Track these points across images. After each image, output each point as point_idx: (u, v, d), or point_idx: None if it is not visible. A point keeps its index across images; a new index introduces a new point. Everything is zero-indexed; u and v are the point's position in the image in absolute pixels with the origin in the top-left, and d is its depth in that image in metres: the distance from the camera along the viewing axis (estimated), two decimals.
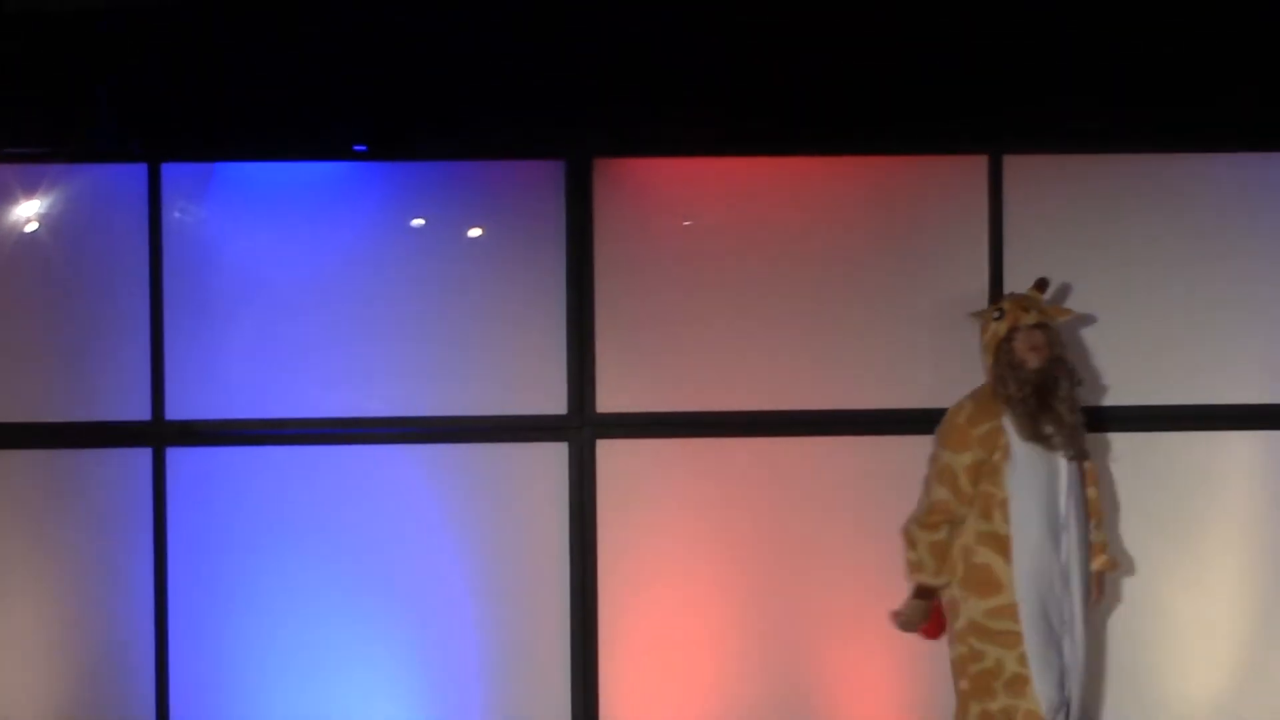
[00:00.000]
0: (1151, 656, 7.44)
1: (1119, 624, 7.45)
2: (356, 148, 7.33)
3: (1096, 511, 6.83)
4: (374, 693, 7.35)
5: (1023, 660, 6.49)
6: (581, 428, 7.38)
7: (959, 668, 6.60)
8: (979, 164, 7.43)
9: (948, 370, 7.37)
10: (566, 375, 7.37)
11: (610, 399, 7.39)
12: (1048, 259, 7.43)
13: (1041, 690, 6.49)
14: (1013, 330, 6.61)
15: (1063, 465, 6.61)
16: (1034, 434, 6.55)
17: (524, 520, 7.40)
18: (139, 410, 7.35)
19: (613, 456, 7.39)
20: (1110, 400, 7.44)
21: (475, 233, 7.42)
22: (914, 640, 6.91)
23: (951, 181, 7.43)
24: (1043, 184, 7.44)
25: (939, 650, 6.81)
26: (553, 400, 7.39)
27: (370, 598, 7.36)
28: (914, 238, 7.43)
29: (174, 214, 7.37)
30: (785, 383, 7.40)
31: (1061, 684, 6.54)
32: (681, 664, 7.39)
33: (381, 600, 7.36)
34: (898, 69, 7.24)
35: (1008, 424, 6.59)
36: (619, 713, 7.40)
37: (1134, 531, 7.43)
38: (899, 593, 6.74)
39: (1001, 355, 6.63)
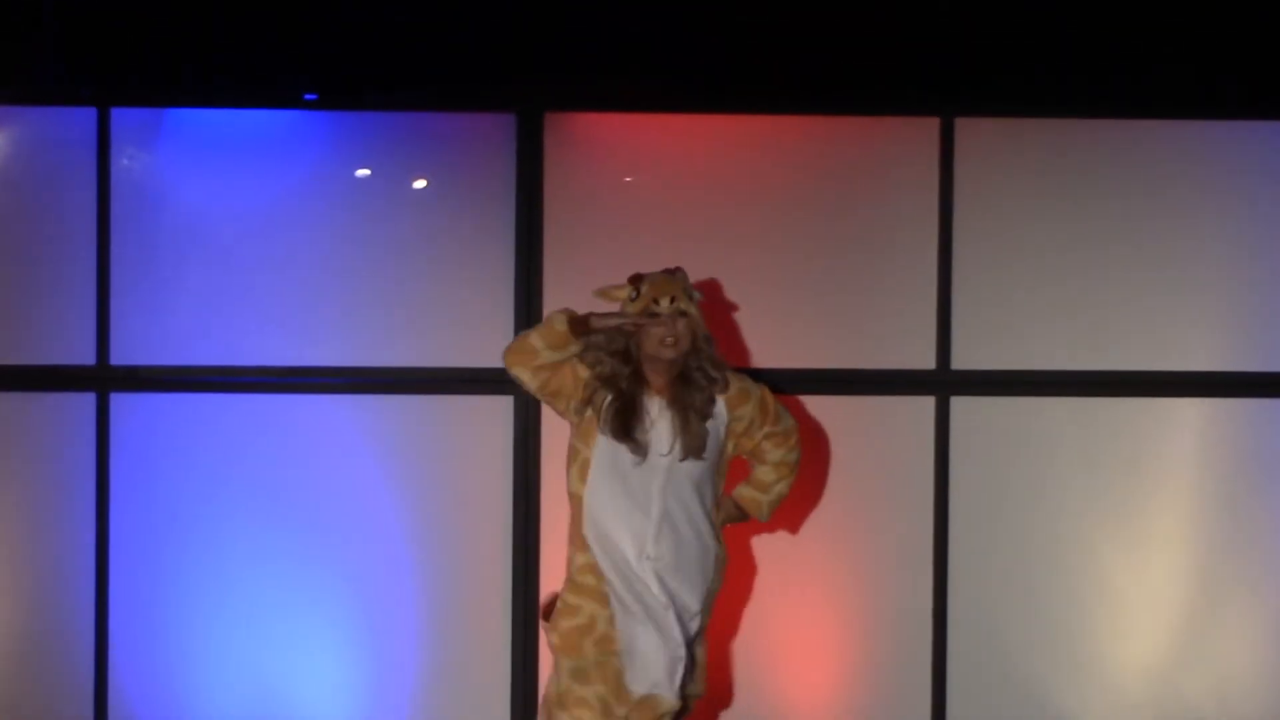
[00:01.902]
0: (1095, 625, 7.45)
1: (1062, 593, 7.46)
2: (307, 96, 7.31)
3: (752, 482, 6.29)
4: (311, 643, 7.35)
5: (611, 622, 6.07)
6: None
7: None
8: (930, 126, 7.42)
9: (893, 331, 7.39)
10: (513, 328, 7.36)
11: None
12: (998, 223, 7.44)
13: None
14: (646, 314, 6.02)
15: (666, 463, 6.04)
16: (620, 432, 6.01)
17: (468, 473, 7.40)
18: (84, 355, 7.34)
19: None
20: (1057, 365, 7.45)
21: (425, 184, 7.42)
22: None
23: (903, 143, 7.42)
24: (994, 148, 7.44)
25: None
26: (498, 353, 7.33)
27: (311, 548, 7.36)
28: (863, 199, 7.43)
29: (123, 160, 7.35)
30: (731, 341, 7.40)
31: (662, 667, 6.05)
32: None
33: (322, 550, 7.35)
34: (851, 29, 7.23)
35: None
36: None
37: (1079, 497, 7.44)
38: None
39: (618, 340, 6.06)
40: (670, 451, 6.03)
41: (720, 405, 6.14)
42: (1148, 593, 7.45)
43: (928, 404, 7.42)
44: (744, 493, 6.33)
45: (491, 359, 7.35)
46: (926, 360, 7.42)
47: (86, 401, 7.35)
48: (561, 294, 7.33)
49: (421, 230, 7.39)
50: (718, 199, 7.42)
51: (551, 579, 7.34)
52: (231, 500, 7.35)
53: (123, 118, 7.33)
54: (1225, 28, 7.22)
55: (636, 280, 6.08)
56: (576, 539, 6.11)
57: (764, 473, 6.30)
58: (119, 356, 7.34)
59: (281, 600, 7.34)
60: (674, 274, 6.10)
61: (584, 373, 6.09)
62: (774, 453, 6.26)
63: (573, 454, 6.12)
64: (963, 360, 7.43)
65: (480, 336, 7.37)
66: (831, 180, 7.44)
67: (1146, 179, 7.45)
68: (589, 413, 6.08)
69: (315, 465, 7.36)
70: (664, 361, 6.05)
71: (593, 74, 7.26)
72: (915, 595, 7.44)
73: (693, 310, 6.07)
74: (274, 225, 7.37)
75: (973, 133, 7.43)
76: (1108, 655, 7.45)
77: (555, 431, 7.33)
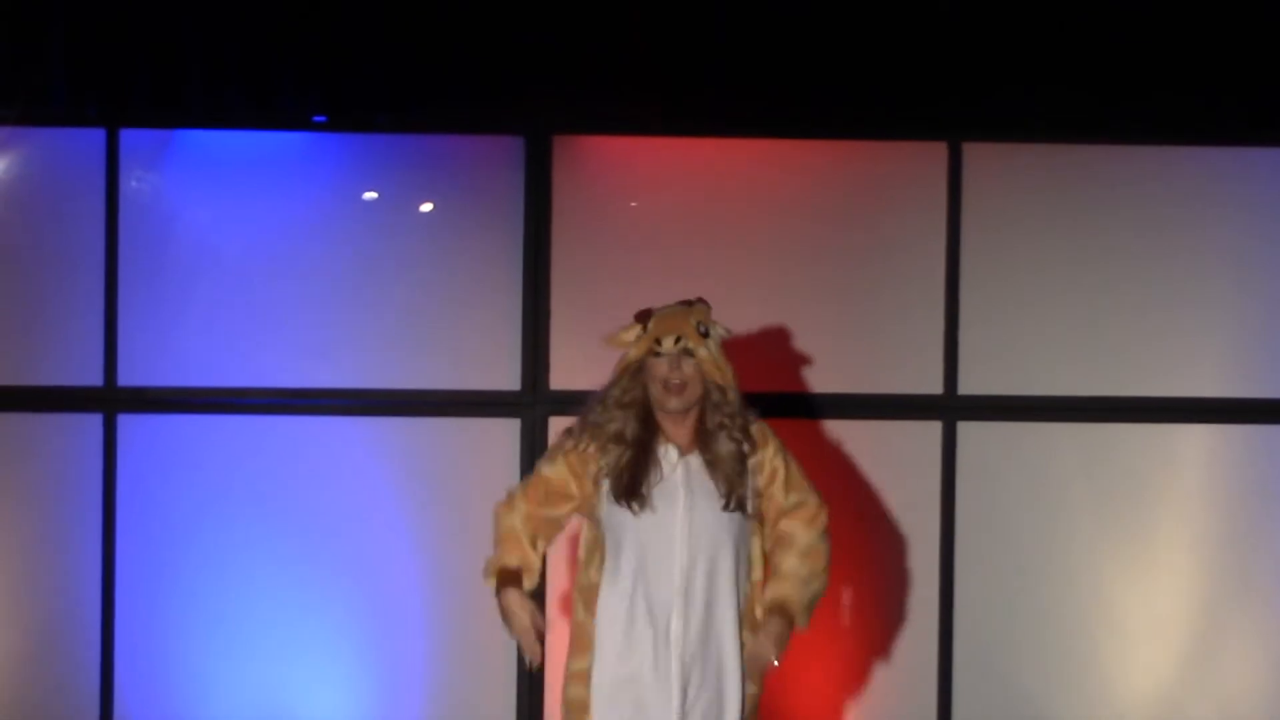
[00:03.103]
0: (1100, 649, 7.45)
1: (1068, 616, 7.46)
2: (316, 118, 7.32)
3: (783, 577, 5.28)
4: (319, 663, 7.34)
5: None
6: (535, 404, 7.38)
7: None
8: (938, 151, 7.43)
9: (900, 355, 7.40)
10: (521, 351, 7.36)
11: (564, 376, 7.38)
12: (1005, 248, 7.45)
13: None
14: (650, 355, 5.28)
15: (689, 516, 5.25)
16: (628, 488, 5.22)
17: (474, 495, 7.38)
18: (91, 376, 7.34)
19: None
20: (1064, 390, 7.45)
21: (433, 207, 7.42)
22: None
23: (910, 168, 7.43)
24: (1002, 173, 7.45)
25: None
26: (507, 376, 7.39)
27: (319, 568, 7.35)
28: (872, 223, 7.44)
29: (131, 181, 7.36)
30: (739, 364, 7.37)
31: None
32: None
33: (330, 571, 7.35)
34: (859, 54, 7.24)
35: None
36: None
37: (1085, 522, 7.44)
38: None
39: (623, 384, 5.34)
40: (689, 506, 5.22)
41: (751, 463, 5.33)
42: (1153, 616, 7.45)
43: (934, 429, 7.42)
44: (777, 590, 5.26)
45: (499, 381, 7.37)
46: (934, 385, 7.42)
47: (94, 422, 7.34)
48: (569, 315, 7.34)
49: (429, 252, 7.40)
50: (725, 223, 7.43)
51: (557, 599, 7.34)
52: (238, 521, 7.34)
53: (131, 139, 7.35)
54: (1232, 54, 7.23)
55: (643, 316, 5.38)
56: (579, 640, 5.36)
57: (792, 565, 5.27)
58: (126, 378, 7.34)
59: (288, 621, 7.33)
60: (690, 306, 5.37)
61: (582, 462, 5.32)
62: (802, 535, 5.27)
63: (588, 547, 5.38)
64: (970, 385, 7.43)
65: (488, 359, 7.37)
66: (839, 204, 7.44)
67: (1153, 204, 7.46)
68: (604, 486, 5.28)
69: (322, 487, 7.36)
70: (677, 413, 5.27)
71: (600, 97, 7.26)
72: (922, 619, 7.44)
73: (703, 351, 5.27)
74: (282, 247, 7.37)
75: (980, 157, 7.45)
76: (1114, 679, 7.45)
77: None
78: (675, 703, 5.17)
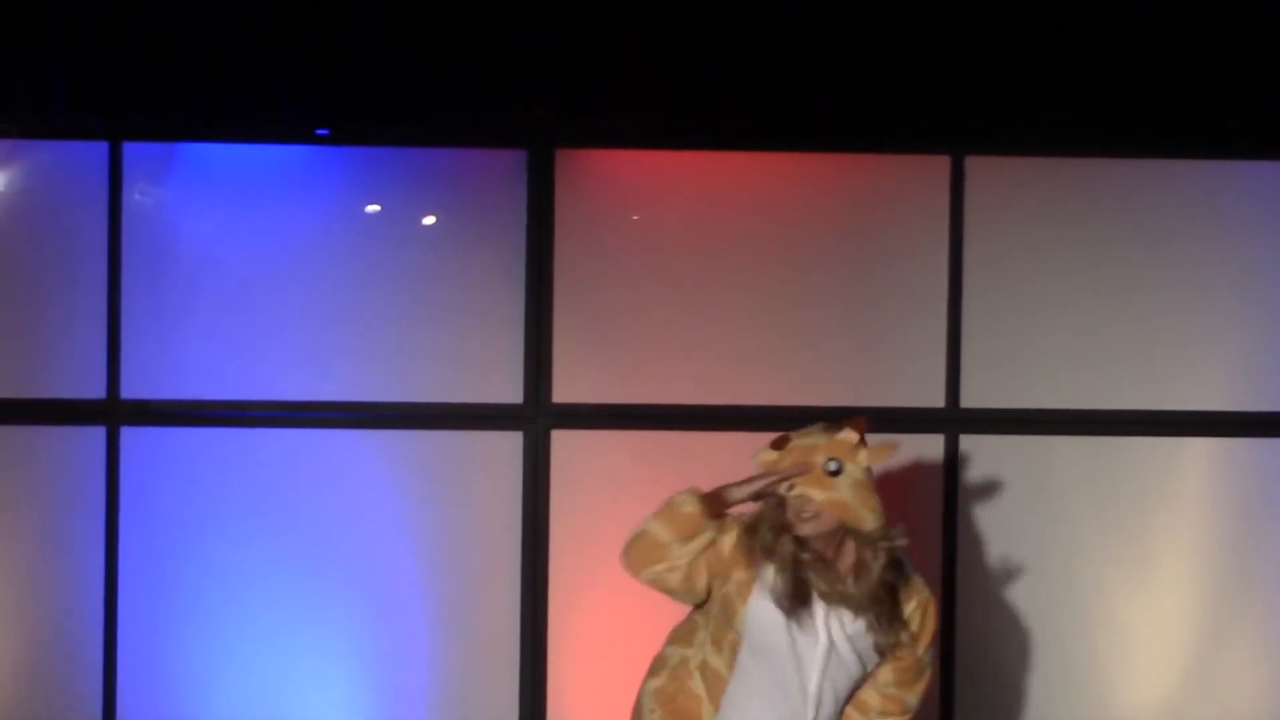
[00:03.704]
0: (1103, 662, 7.45)
1: (1071, 628, 7.45)
2: (318, 131, 7.32)
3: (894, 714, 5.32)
4: (322, 677, 7.35)
5: None
6: (537, 418, 7.38)
7: None
8: (941, 164, 7.43)
9: (902, 368, 7.39)
10: (523, 365, 7.36)
11: (566, 390, 7.38)
12: (1008, 261, 7.44)
13: None
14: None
15: (824, 642, 5.21)
16: (792, 603, 5.14)
17: (477, 509, 7.39)
18: (94, 388, 7.34)
19: (567, 447, 7.39)
20: (1067, 404, 7.44)
21: (435, 220, 7.42)
22: None
23: (913, 181, 7.43)
24: (1005, 186, 7.45)
25: None
26: (509, 389, 7.39)
27: (321, 582, 7.35)
28: (874, 237, 7.44)
29: (134, 194, 7.36)
30: (742, 378, 7.40)
31: None
32: (632, 658, 7.38)
33: (332, 585, 7.35)
34: (861, 67, 7.24)
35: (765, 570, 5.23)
36: (567, 704, 7.40)
37: (1088, 535, 7.44)
38: None
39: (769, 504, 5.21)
40: (828, 636, 5.14)
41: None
42: (1157, 631, 7.45)
43: (937, 442, 7.42)
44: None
45: (501, 394, 7.37)
46: (936, 398, 7.42)
47: (96, 435, 7.34)
48: (571, 328, 7.34)
49: (432, 266, 7.40)
50: (728, 236, 7.42)
51: (560, 615, 7.34)
52: (241, 534, 7.34)
53: (134, 152, 7.34)
54: (1237, 67, 7.22)
55: (780, 443, 5.18)
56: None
57: (872, 699, 5.29)
58: (129, 390, 7.34)
59: (290, 633, 7.34)
60: (833, 432, 5.17)
61: (730, 542, 5.23)
62: (893, 684, 5.27)
63: (717, 631, 5.30)
64: (972, 398, 7.43)
65: (490, 372, 7.37)
66: (841, 217, 7.44)
67: (1157, 218, 7.45)
68: (736, 577, 5.20)
69: (324, 499, 7.36)
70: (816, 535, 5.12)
71: (604, 111, 7.26)
72: None
73: (824, 495, 5.04)
74: (285, 260, 7.37)
75: (983, 170, 7.44)
76: (1117, 693, 7.45)
77: (565, 468, 7.34)
78: None
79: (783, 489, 5.08)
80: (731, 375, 7.37)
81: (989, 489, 7.44)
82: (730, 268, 7.42)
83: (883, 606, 5.16)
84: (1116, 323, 7.45)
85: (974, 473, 7.43)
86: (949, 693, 7.42)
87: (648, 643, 7.33)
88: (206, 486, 7.35)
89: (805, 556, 5.11)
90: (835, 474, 5.05)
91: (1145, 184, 7.45)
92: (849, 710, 5.30)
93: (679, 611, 7.28)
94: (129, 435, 7.34)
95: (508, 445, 7.39)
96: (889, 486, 7.38)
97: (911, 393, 7.42)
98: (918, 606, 5.28)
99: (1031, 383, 7.44)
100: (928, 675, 5.33)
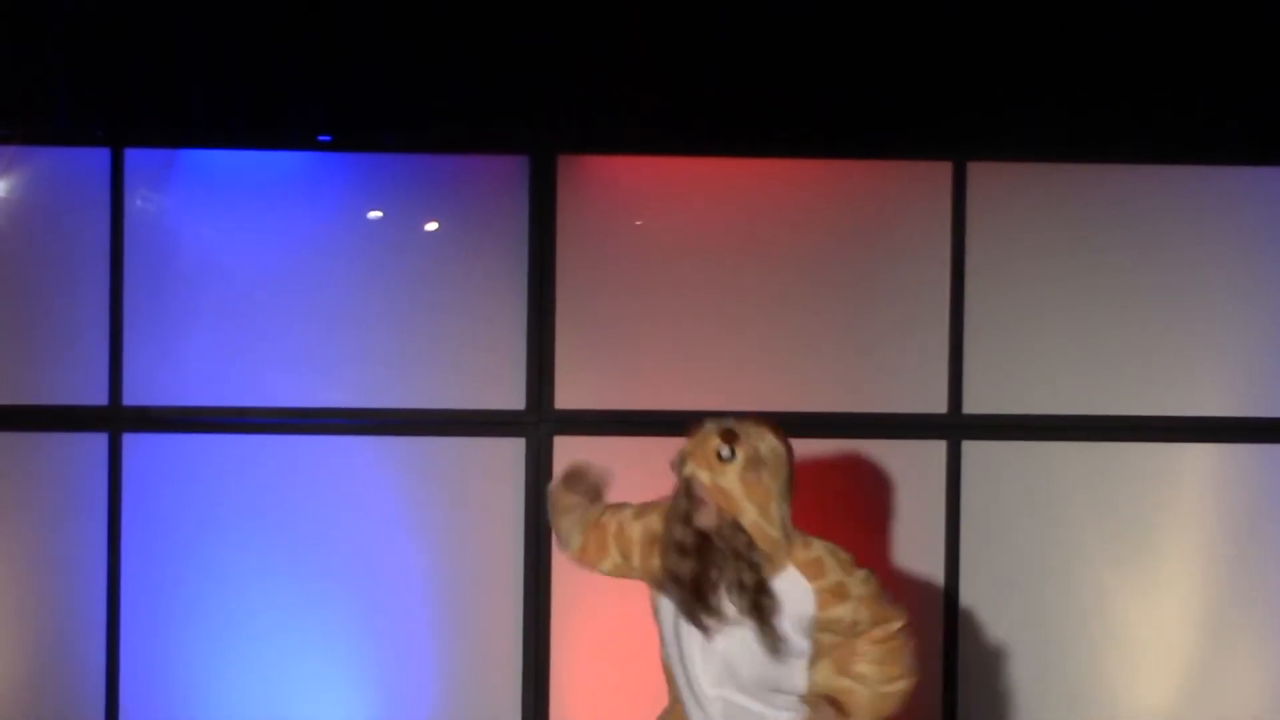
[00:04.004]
0: (1105, 666, 7.45)
1: (1073, 634, 7.45)
2: (321, 138, 7.32)
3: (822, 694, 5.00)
4: (325, 684, 7.35)
5: None
6: (539, 423, 7.38)
7: None
8: (943, 170, 7.43)
9: (904, 375, 7.39)
10: (526, 370, 7.36)
11: (569, 395, 7.38)
12: (1010, 267, 7.45)
13: None
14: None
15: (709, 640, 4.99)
16: (690, 607, 4.94)
17: (479, 515, 7.40)
18: (96, 395, 7.34)
19: (570, 453, 7.36)
20: (1069, 409, 7.45)
21: (438, 226, 7.42)
22: None
23: (915, 187, 7.43)
24: (1007, 192, 7.45)
25: None
26: (511, 395, 7.39)
27: (324, 588, 7.35)
28: (876, 243, 7.44)
29: (136, 201, 7.36)
30: (744, 383, 7.40)
31: None
32: (634, 663, 7.39)
33: (335, 591, 7.35)
34: (863, 73, 7.24)
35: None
36: (570, 709, 7.40)
37: (1090, 541, 7.44)
38: None
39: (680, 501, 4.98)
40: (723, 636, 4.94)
41: (805, 597, 4.91)
42: (1160, 637, 7.45)
43: (939, 448, 7.42)
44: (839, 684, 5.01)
45: (504, 401, 7.37)
46: (938, 404, 7.42)
47: (98, 442, 7.34)
48: (574, 334, 7.34)
49: (434, 271, 7.40)
50: (730, 242, 7.42)
51: (562, 620, 7.34)
52: (243, 540, 7.34)
53: (136, 158, 7.34)
54: (1238, 74, 7.23)
55: (693, 430, 5.04)
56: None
57: (862, 666, 5.01)
58: (131, 397, 7.34)
59: (293, 639, 7.33)
60: (718, 422, 4.95)
61: (629, 519, 5.17)
62: (868, 655, 4.99)
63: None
64: (975, 404, 7.43)
65: (493, 378, 7.37)
66: (843, 224, 7.44)
67: (1159, 224, 7.46)
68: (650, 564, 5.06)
69: (327, 506, 7.36)
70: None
71: (606, 116, 7.26)
72: (926, 638, 7.42)
73: (707, 476, 4.84)
74: (287, 266, 7.37)
75: (985, 177, 7.44)
76: (1119, 696, 7.45)
77: None
78: None
79: (675, 463, 4.92)
80: (733, 381, 7.37)
81: (991, 494, 7.44)
82: (732, 273, 7.42)
83: (762, 615, 4.89)
84: (1118, 328, 7.45)
85: (976, 478, 7.43)
86: (952, 696, 7.42)
87: (649, 647, 7.32)
88: (208, 493, 7.35)
89: (689, 547, 4.92)
90: (726, 460, 4.83)
91: (1147, 190, 7.46)
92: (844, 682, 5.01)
93: None
94: (131, 442, 7.34)
95: (510, 451, 7.39)
96: (892, 490, 7.41)
97: (914, 398, 7.42)
98: (857, 604, 4.91)
99: (1033, 388, 7.44)
100: (899, 636, 4.98)
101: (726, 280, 7.41)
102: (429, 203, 7.41)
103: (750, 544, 4.86)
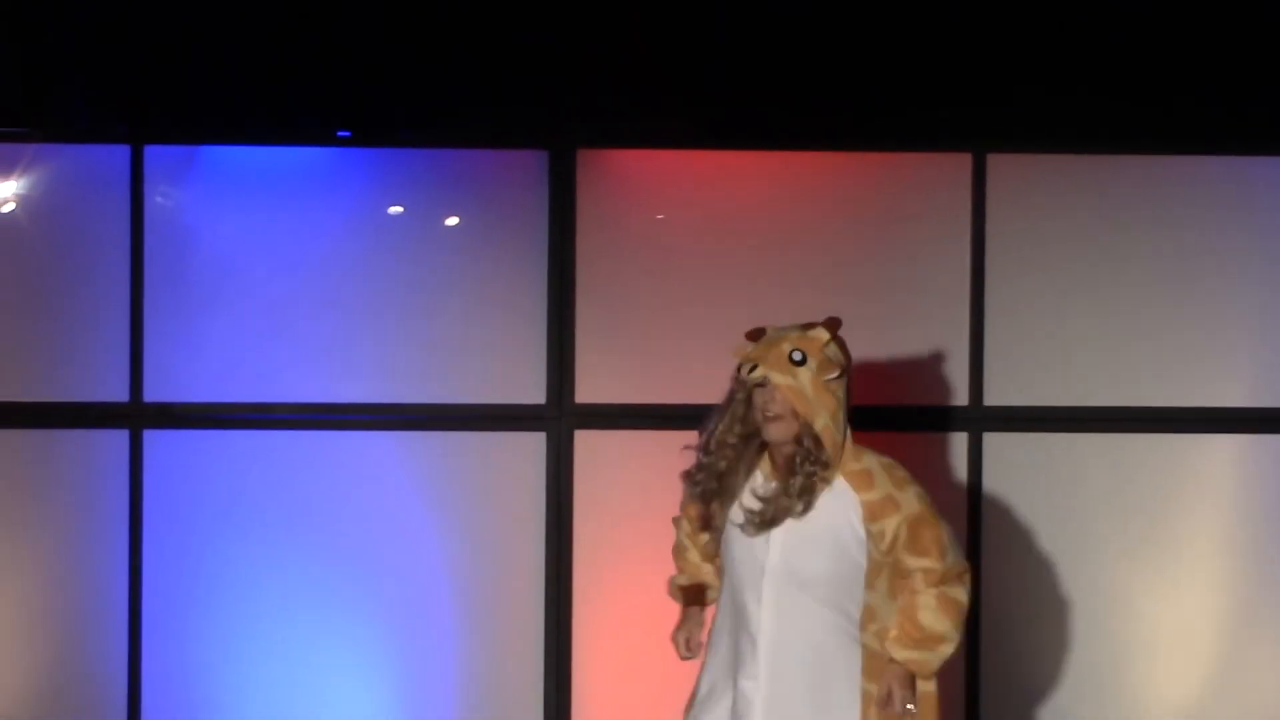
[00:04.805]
0: (1128, 659, 7.44)
1: (1095, 627, 7.44)
2: (340, 134, 7.33)
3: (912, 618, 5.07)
4: (347, 679, 7.35)
5: None
6: (560, 418, 7.38)
7: None
8: (963, 161, 7.42)
9: (925, 367, 7.38)
10: (546, 365, 7.36)
11: (589, 390, 7.38)
12: (1031, 258, 7.44)
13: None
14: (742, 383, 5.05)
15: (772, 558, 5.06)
16: (708, 494, 5.14)
17: (500, 509, 7.40)
18: (117, 392, 7.35)
19: (591, 447, 7.39)
20: (1091, 401, 7.43)
21: (457, 221, 7.43)
22: None
23: (935, 179, 7.42)
24: (1027, 183, 7.44)
25: None
26: (532, 390, 7.39)
27: (346, 584, 7.36)
28: (896, 235, 7.43)
29: (156, 198, 7.37)
30: None
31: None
32: (655, 656, 7.37)
33: (357, 587, 7.36)
34: (882, 65, 7.24)
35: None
36: (592, 702, 7.40)
37: (1113, 533, 7.43)
38: None
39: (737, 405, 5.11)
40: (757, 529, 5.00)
41: (850, 507, 5.04)
42: (1182, 627, 7.43)
43: (960, 440, 7.41)
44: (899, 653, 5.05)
45: (524, 395, 7.37)
46: (959, 396, 7.41)
47: (119, 439, 7.35)
48: (594, 328, 7.34)
49: (454, 267, 7.40)
50: (750, 236, 7.42)
51: (584, 614, 7.34)
52: (265, 537, 7.35)
53: (156, 155, 7.35)
54: (1260, 63, 7.22)
55: (755, 334, 5.18)
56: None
57: (923, 613, 5.05)
58: (152, 393, 7.35)
59: (316, 637, 7.34)
60: (804, 329, 5.06)
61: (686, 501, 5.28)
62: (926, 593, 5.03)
63: None
64: (996, 396, 7.42)
65: (513, 373, 7.37)
66: (863, 217, 7.44)
67: (1179, 214, 7.44)
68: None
69: (348, 502, 7.36)
70: (779, 444, 5.02)
71: (625, 111, 7.27)
72: None
73: (785, 379, 4.94)
74: (307, 262, 7.38)
75: (1005, 168, 7.43)
76: (1143, 689, 7.43)
77: (588, 466, 7.34)
78: None
79: (744, 370, 5.01)
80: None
81: (1013, 487, 7.43)
82: (752, 266, 7.42)
83: (792, 488, 4.99)
84: (1140, 319, 7.44)
85: (998, 470, 7.42)
86: (974, 690, 7.41)
87: (671, 641, 7.35)
88: (230, 489, 7.35)
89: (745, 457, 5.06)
90: (799, 364, 4.97)
91: (1167, 181, 7.44)
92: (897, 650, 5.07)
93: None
94: (152, 438, 7.35)
95: (531, 446, 7.39)
96: None
97: (935, 391, 7.41)
98: (903, 522, 5.02)
99: (1055, 380, 7.43)
100: (951, 550, 5.06)
101: (746, 273, 7.41)
102: (449, 198, 7.41)
103: (819, 443, 4.98)
